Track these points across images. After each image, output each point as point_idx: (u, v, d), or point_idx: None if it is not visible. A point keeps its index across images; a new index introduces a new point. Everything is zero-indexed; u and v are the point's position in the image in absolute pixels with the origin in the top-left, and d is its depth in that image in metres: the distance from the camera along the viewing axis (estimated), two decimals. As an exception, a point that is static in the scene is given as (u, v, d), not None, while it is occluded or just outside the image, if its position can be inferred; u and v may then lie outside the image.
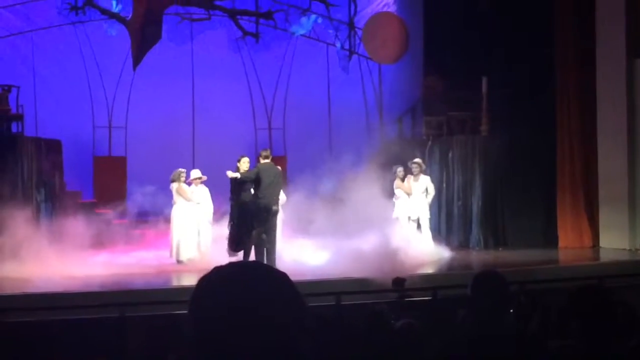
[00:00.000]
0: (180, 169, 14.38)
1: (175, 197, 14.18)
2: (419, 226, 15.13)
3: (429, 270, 13.53)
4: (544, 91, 16.63)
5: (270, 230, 12.90)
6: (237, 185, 13.13)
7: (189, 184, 14.41)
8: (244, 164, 13.32)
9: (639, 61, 15.71)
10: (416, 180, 15.15)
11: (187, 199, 14.14)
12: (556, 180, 16.57)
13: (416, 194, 15.08)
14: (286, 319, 1.74)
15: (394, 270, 11.33)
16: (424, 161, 15.70)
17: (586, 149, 16.30)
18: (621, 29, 15.72)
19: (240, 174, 13.09)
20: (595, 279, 10.68)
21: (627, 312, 5.61)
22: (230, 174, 13.15)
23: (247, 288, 1.74)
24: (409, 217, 15.06)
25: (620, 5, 15.74)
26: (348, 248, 13.30)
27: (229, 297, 1.73)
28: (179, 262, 14.01)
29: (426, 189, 15.18)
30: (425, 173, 15.40)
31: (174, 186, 14.20)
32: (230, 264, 1.81)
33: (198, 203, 14.28)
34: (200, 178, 14.44)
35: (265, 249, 12.85)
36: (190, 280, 12.58)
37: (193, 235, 14.16)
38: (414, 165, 15.20)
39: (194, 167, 15.16)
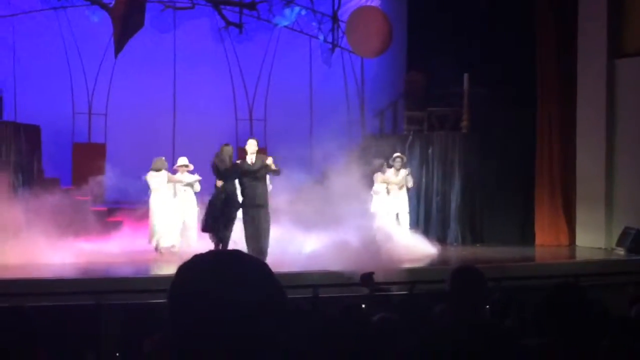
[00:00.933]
0: (163, 157, 14.41)
1: (153, 184, 14.15)
2: (396, 220, 15.15)
3: (418, 265, 13.47)
4: (524, 89, 16.71)
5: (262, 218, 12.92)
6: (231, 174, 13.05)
7: (174, 171, 14.41)
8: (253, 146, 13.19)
9: (619, 62, 15.81)
10: (396, 174, 15.18)
11: (181, 182, 14.19)
12: (534, 178, 16.67)
13: (397, 188, 15.08)
14: (264, 308, 1.74)
15: (381, 264, 11.32)
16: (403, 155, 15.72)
17: (565, 148, 16.40)
18: (602, 30, 15.81)
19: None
20: (571, 277, 10.76)
21: (602, 310, 5.65)
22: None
23: (226, 276, 1.74)
24: (388, 212, 15.07)
25: (602, 7, 15.82)
26: (329, 241, 13.30)
27: (207, 286, 1.73)
28: (157, 249, 14.00)
29: (405, 180, 15.21)
30: (404, 167, 15.43)
31: (160, 175, 14.16)
32: (210, 252, 1.81)
33: (184, 191, 14.30)
34: (187, 166, 14.43)
35: (253, 237, 12.86)
36: (169, 268, 12.57)
37: (172, 223, 14.13)
38: (398, 159, 15.18)
39: (174, 156, 15.11)
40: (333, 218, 13.71)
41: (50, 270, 11.70)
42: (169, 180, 14.22)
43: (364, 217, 14.38)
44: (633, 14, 15.73)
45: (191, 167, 14.49)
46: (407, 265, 13.00)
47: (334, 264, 11.90)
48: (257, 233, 12.83)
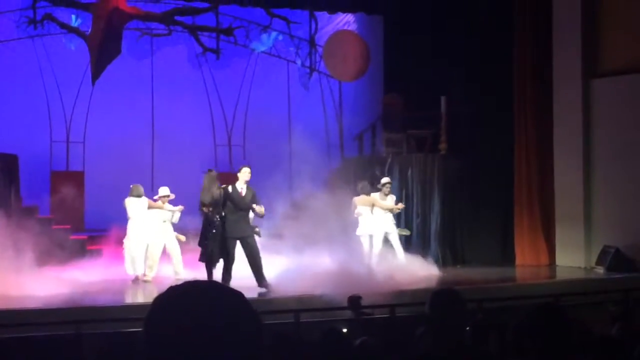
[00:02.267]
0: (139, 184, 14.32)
1: (133, 211, 14.05)
2: (385, 243, 15.00)
3: (409, 287, 13.26)
4: (502, 110, 16.81)
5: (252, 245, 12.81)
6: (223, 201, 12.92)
7: (155, 202, 14.33)
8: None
9: (594, 82, 15.95)
10: (384, 199, 15.09)
11: (162, 207, 14.09)
12: (513, 198, 16.73)
13: (383, 211, 15.00)
14: (241, 338, 1.73)
15: (367, 287, 11.28)
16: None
17: (543, 168, 16.49)
18: (577, 50, 15.97)
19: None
20: (551, 297, 10.79)
21: (583, 330, 5.68)
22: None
23: (201, 307, 1.74)
24: (371, 235, 14.94)
25: (577, 27, 15.99)
26: (313, 265, 13.25)
27: (183, 317, 1.72)
28: (138, 279, 13.88)
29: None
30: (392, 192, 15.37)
31: (141, 201, 14.07)
32: (186, 283, 1.81)
33: (164, 221, 14.19)
34: (168, 196, 14.32)
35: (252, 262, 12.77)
36: (148, 297, 12.49)
37: (151, 252, 14.04)
38: (388, 185, 15.13)
39: (153, 182, 15.05)
40: (317, 242, 13.70)
41: (29, 300, 11.58)
42: (150, 207, 14.14)
43: (350, 241, 14.34)
44: (607, 34, 15.90)
45: (172, 196, 14.40)
46: (396, 288, 12.79)
47: (317, 289, 11.86)
48: (253, 259, 12.69)
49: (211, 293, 1.77)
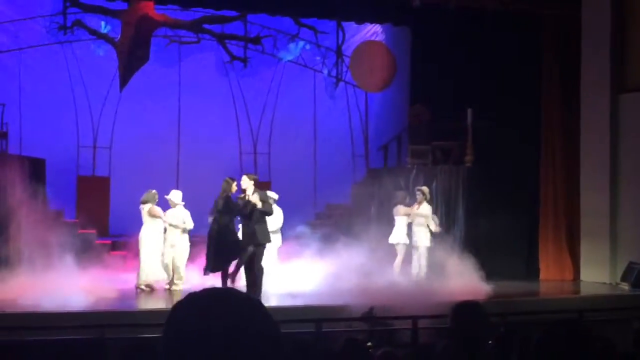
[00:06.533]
0: (153, 190, 14.17)
1: (145, 218, 13.95)
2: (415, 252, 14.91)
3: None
4: (529, 124, 16.73)
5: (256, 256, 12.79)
6: (228, 208, 12.96)
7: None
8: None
9: (623, 97, 15.83)
10: (419, 208, 14.98)
11: (162, 219, 13.97)
12: (539, 213, 16.63)
13: (417, 221, 14.91)
14: (259, 346, 1.73)
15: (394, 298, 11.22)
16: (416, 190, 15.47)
17: (569, 183, 16.38)
18: (606, 65, 15.86)
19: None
20: (575, 312, 10.72)
21: (606, 346, 5.62)
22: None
23: (220, 315, 1.74)
24: (404, 244, 14.85)
25: (605, 42, 15.88)
26: (337, 275, 13.23)
27: (201, 324, 1.73)
28: (145, 286, 13.71)
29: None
30: (427, 201, 15.18)
31: (145, 207, 13.98)
32: (205, 290, 1.81)
33: (171, 224, 14.06)
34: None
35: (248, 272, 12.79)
36: (169, 303, 12.53)
37: (159, 258, 13.92)
38: (418, 193, 15.06)
39: (178, 189, 15.06)
40: (342, 250, 13.70)
41: (53, 303, 11.64)
42: (150, 214, 14.03)
43: (379, 249, 14.27)
44: (636, 49, 15.79)
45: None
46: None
47: (339, 298, 11.83)
48: (250, 269, 12.70)
49: (229, 300, 1.77)
